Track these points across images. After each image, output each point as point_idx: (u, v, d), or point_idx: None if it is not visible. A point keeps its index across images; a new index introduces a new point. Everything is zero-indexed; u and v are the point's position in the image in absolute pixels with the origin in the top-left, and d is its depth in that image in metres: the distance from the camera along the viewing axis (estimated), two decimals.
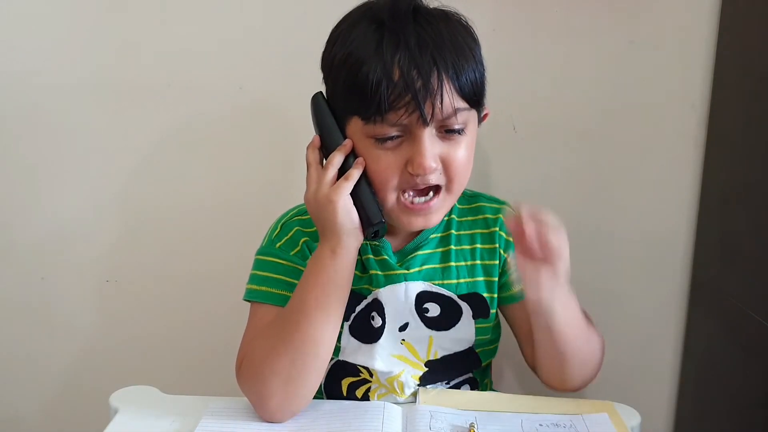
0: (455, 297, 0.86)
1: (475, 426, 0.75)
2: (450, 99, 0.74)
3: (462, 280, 0.87)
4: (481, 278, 0.87)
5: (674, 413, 1.20)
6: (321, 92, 0.81)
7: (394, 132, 0.75)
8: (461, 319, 0.86)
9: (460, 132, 0.77)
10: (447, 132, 0.76)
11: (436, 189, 0.79)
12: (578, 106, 1.10)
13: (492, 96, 1.07)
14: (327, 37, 0.80)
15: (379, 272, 0.85)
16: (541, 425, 0.77)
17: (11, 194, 1.16)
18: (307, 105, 0.82)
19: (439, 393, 0.85)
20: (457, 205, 0.89)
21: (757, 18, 0.96)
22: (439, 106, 0.73)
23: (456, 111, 0.75)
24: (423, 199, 0.78)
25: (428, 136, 0.74)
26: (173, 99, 1.12)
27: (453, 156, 0.77)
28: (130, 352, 1.21)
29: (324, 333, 0.77)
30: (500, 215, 0.88)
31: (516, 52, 1.07)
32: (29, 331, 1.21)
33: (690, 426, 1.16)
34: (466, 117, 0.77)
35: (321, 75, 0.81)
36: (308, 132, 0.84)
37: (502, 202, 0.91)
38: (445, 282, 0.86)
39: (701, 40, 1.06)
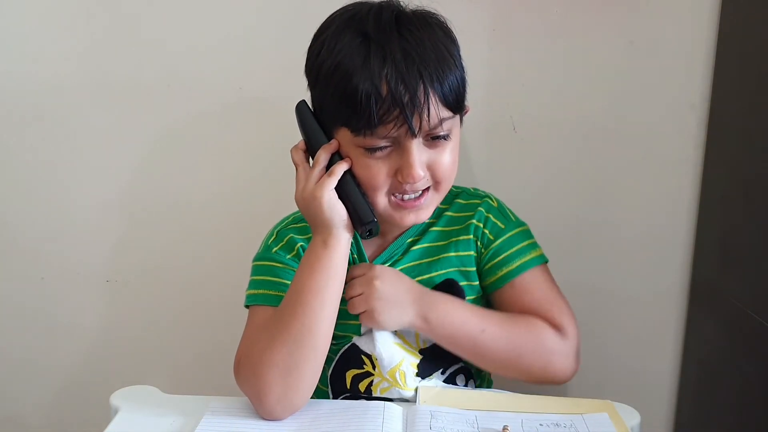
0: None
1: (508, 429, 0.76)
2: (436, 110, 0.77)
3: (436, 273, 0.89)
4: (453, 269, 0.89)
5: (674, 413, 1.19)
6: (304, 101, 0.84)
7: (383, 143, 0.78)
8: None
9: (445, 138, 0.80)
10: (433, 139, 0.79)
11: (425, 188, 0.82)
12: (578, 106, 1.10)
13: (492, 96, 1.08)
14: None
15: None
16: (541, 425, 0.77)
17: (11, 194, 1.16)
18: None
19: (439, 392, 0.85)
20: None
21: (757, 18, 0.96)
22: (426, 118, 0.76)
23: (441, 121, 0.78)
24: (413, 195, 0.81)
25: (416, 147, 0.78)
26: (173, 99, 1.12)
27: (440, 162, 0.80)
28: (130, 352, 1.21)
29: (321, 323, 0.78)
30: (479, 208, 0.90)
31: (516, 52, 1.07)
32: (29, 331, 1.21)
33: (690, 426, 1.16)
34: (451, 124, 0.80)
35: None
36: None
37: (483, 194, 0.93)
38: (425, 277, 0.88)
39: (701, 40, 1.06)
